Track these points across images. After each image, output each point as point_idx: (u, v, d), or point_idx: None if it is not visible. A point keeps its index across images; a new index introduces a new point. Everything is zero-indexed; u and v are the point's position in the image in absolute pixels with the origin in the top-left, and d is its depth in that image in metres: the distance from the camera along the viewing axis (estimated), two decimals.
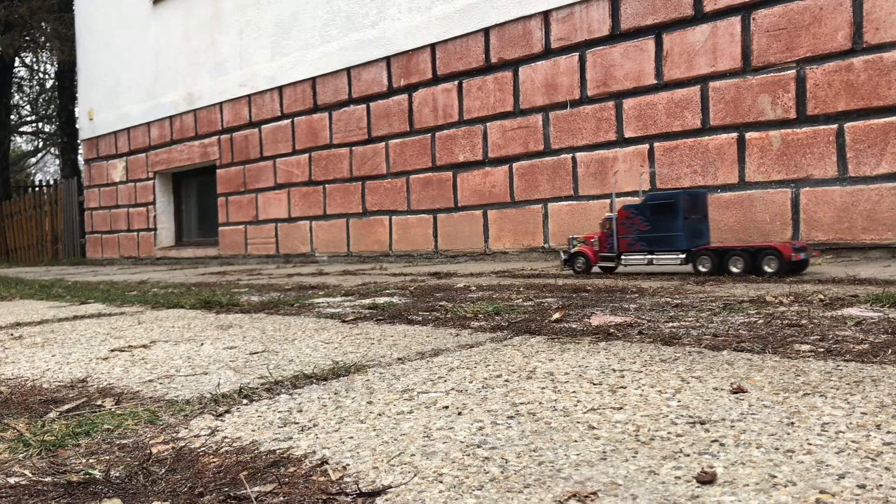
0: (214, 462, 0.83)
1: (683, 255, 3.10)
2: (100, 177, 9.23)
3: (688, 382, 1.09)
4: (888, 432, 0.81)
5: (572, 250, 3.51)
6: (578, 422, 0.92)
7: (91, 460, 0.87)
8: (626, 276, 3.25)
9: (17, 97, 19.45)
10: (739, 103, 4.07)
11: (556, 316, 1.88)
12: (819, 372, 1.12)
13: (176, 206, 8.50)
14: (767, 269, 2.85)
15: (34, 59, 18.29)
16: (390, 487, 0.72)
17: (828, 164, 3.79)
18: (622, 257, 3.32)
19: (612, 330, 1.62)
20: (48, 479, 0.81)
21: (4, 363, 1.59)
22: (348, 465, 0.80)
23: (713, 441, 0.81)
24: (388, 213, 5.94)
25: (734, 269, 2.93)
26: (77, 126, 12.47)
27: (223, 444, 0.90)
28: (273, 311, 2.38)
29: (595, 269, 3.58)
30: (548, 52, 4.87)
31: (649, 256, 3.22)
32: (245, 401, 1.12)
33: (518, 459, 0.78)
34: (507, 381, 1.16)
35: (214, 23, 7.46)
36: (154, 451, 0.88)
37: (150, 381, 1.32)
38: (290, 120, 6.72)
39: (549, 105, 4.87)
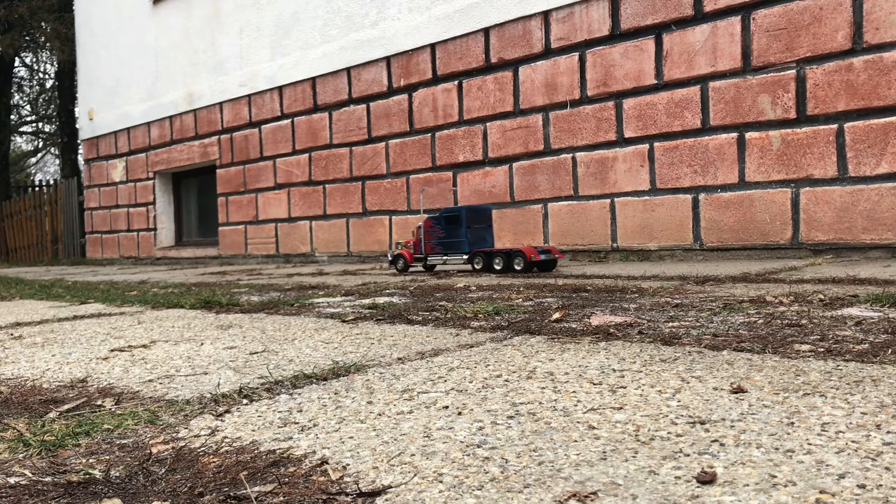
0: (214, 462, 0.83)
1: (466, 256, 3.89)
2: (100, 177, 9.23)
3: (688, 382, 1.09)
4: (888, 432, 0.81)
5: (396, 253, 4.23)
6: (578, 422, 0.92)
7: (91, 460, 0.87)
8: (627, 277, 3.25)
9: (17, 97, 19.46)
10: (739, 103, 4.07)
11: (556, 316, 1.88)
12: (819, 372, 1.12)
13: (176, 206, 8.50)
14: (517, 266, 3.63)
15: (34, 59, 18.29)
16: (390, 487, 0.72)
17: (828, 163, 3.79)
18: (427, 258, 4.08)
19: (612, 330, 1.62)
20: (48, 479, 0.81)
21: (4, 363, 1.59)
22: (348, 464, 0.80)
23: (713, 441, 0.81)
24: (388, 213, 5.94)
25: (497, 267, 3.73)
26: (77, 126, 12.48)
27: (223, 444, 0.90)
28: (273, 311, 2.38)
29: (413, 267, 4.37)
30: (548, 52, 4.87)
31: (445, 257, 4.00)
32: (245, 401, 1.12)
33: (518, 459, 0.78)
34: (507, 381, 1.16)
35: (214, 23, 7.46)
36: (154, 451, 0.88)
37: (150, 381, 1.32)
38: (290, 120, 6.72)
39: (549, 105, 4.87)
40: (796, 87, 3.88)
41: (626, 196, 4.55)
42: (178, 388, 1.25)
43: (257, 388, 1.20)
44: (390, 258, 4.30)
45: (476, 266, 3.83)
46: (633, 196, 4.51)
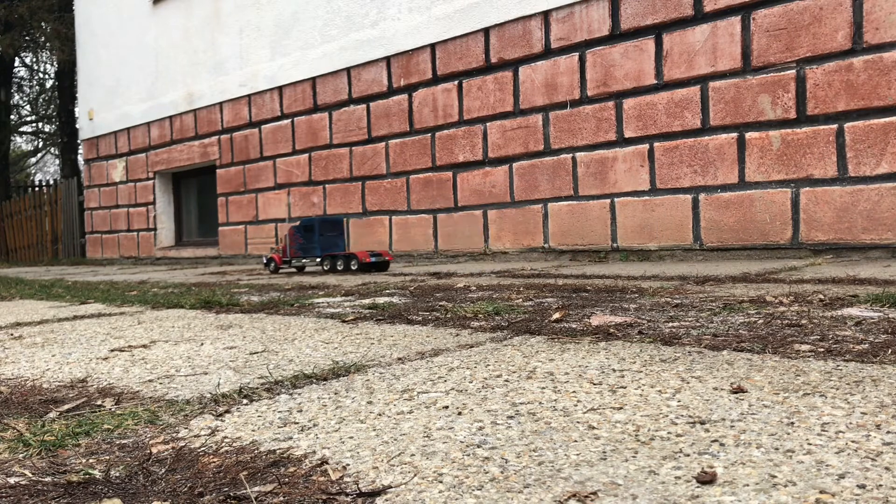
0: (214, 462, 0.83)
1: (319, 259, 4.65)
2: (100, 177, 9.23)
3: (688, 382, 1.09)
4: (888, 432, 0.82)
5: (269, 256, 4.96)
6: (578, 422, 0.92)
7: (91, 460, 0.87)
8: (627, 277, 3.25)
9: (17, 97, 19.45)
10: (739, 103, 4.07)
11: (556, 316, 1.88)
12: (819, 372, 1.12)
13: (176, 206, 8.50)
14: (353, 266, 4.39)
15: (34, 59, 18.29)
16: (390, 487, 0.72)
17: (828, 163, 3.79)
18: (292, 261, 4.85)
19: (612, 330, 1.62)
20: (48, 479, 0.81)
21: (4, 363, 1.59)
22: (348, 464, 0.80)
23: (713, 441, 0.81)
24: (388, 213, 5.94)
25: (339, 268, 4.50)
26: (77, 126, 12.47)
27: (223, 444, 0.90)
28: (273, 311, 2.38)
29: (282, 269, 5.13)
30: (548, 52, 4.87)
31: (304, 260, 4.77)
32: (245, 401, 1.12)
33: (518, 459, 0.78)
34: (507, 381, 1.16)
35: (214, 23, 7.46)
36: (154, 451, 0.89)
37: (150, 381, 1.32)
38: (290, 120, 6.72)
39: (549, 105, 4.87)
40: (796, 87, 3.88)
41: (626, 196, 4.55)
42: (178, 388, 1.25)
43: (257, 388, 1.20)
44: (265, 261, 5.02)
45: (325, 267, 4.59)
46: (633, 196, 4.51)
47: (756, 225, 4.04)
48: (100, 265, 8.72)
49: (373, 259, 4.34)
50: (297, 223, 4.86)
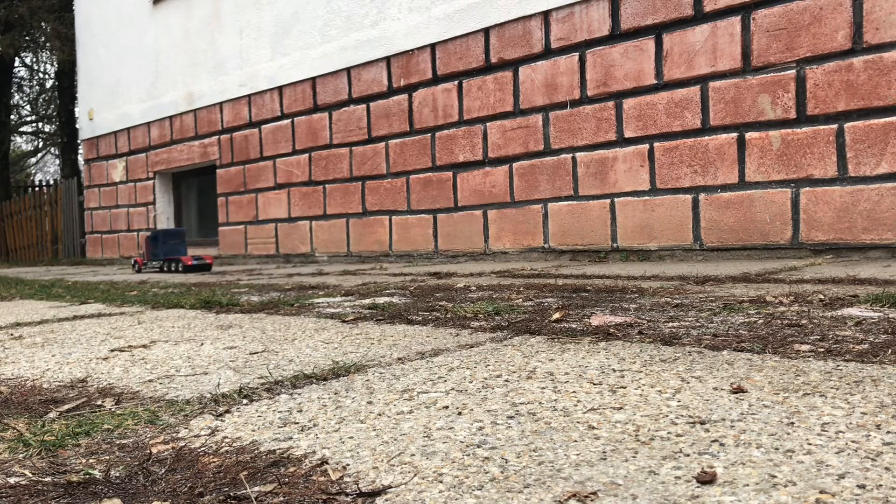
0: (214, 462, 0.83)
1: (160, 263, 5.84)
2: (100, 177, 9.23)
3: (688, 382, 1.09)
4: (888, 432, 0.82)
5: (135, 259, 6.12)
6: (578, 422, 0.92)
7: (91, 460, 0.87)
8: (627, 277, 3.25)
9: (17, 97, 19.45)
10: (739, 103, 4.07)
11: (556, 316, 1.88)
12: (819, 372, 1.12)
13: (176, 206, 8.50)
14: (179, 268, 5.52)
15: (34, 59, 18.29)
16: (390, 487, 0.72)
17: (828, 163, 3.79)
18: (147, 264, 6.03)
19: (612, 330, 1.62)
20: (48, 479, 0.81)
21: (4, 363, 1.59)
22: (348, 465, 0.80)
23: (713, 441, 0.81)
24: (388, 213, 5.94)
25: (173, 270, 5.60)
26: (77, 126, 12.47)
27: (223, 444, 0.90)
28: (273, 311, 2.38)
29: (144, 270, 6.07)
30: (548, 52, 4.87)
31: (154, 263, 5.94)
32: (245, 401, 1.12)
33: (518, 459, 0.78)
34: (507, 381, 1.16)
35: (214, 23, 7.46)
36: (154, 451, 0.89)
37: (150, 381, 1.32)
38: (290, 120, 6.72)
39: (549, 105, 4.87)
40: (796, 87, 3.88)
41: (626, 196, 4.55)
42: (178, 388, 1.25)
43: (257, 388, 1.20)
44: (132, 263, 6.18)
45: (164, 269, 5.74)
46: (633, 196, 4.51)
47: (756, 225, 4.04)
48: (100, 265, 8.71)
49: (195, 262, 5.52)
50: (150, 233, 6.34)
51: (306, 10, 6.52)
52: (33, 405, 1.17)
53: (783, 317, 1.71)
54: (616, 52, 4.54)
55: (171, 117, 8.05)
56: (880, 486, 0.66)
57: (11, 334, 2.08)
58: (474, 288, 2.94)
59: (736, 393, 1.01)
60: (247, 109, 7.14)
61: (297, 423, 0.98)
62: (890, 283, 2.36)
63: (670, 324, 1.68)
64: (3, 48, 13.09)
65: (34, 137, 24.45)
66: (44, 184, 14.81)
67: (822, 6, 3.78)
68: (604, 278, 3.15)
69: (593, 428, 0.89)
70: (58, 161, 20.31)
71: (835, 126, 3.76)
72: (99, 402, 1.16)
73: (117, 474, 0.81)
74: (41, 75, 19.58)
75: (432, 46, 5.53)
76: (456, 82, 5.40)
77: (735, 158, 4.10)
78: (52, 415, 1.09)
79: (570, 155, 4.79)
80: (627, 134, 4.51)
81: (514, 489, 0.70)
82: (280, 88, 6.78)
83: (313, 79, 6.47)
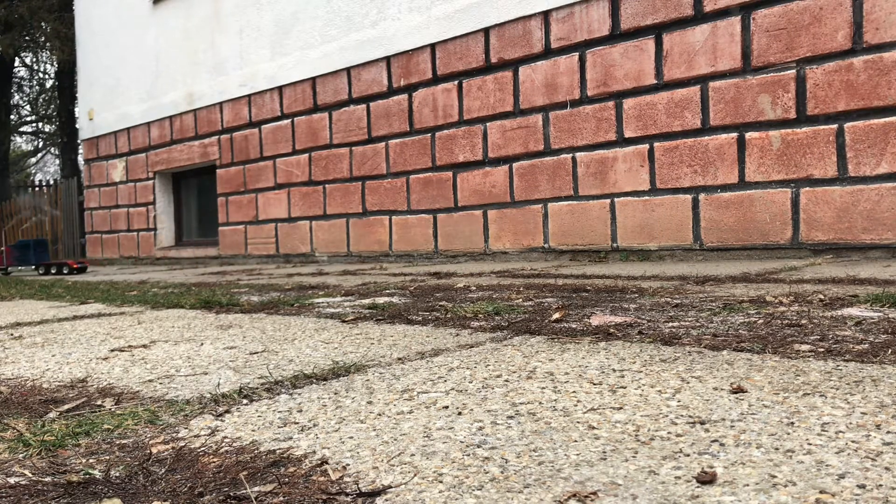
0: (214, 462, 0.83)
1: (34, 266, 7.11)
2: (100, 177, 9.23)
3: (688, 382, 1.09)
4: (888, 432, 0.82)
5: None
6: (578, 422, 0.92)
7: (91, 460, 0.87)
8: (627, 277, 3.25)
9: (17, 97, 19.45)
10: (739, 103, 4.07)
11: (556, 316, 1.88)
12: (819, 372, 1.12)
13: (176, 206, 8.50)
14: (65, 271, 6.54)
15: (34, 59, 18.29)
16: (390, 487, 0.72)
17: (828, 163, 3.79)
18: (7, 268, 7.44)
19: (612, 330, 1.62)
20: (48, 479, 0.81)
21: (4, 363, 1.59)
22: (348, 464, 0.80)
23: (713, 441, 0.81)
24: (388, 213, 5.94)
25: (53, 272, 6.59)
26: (77, 126, 12.47)
27: (223, 444, 0.90)
28: (273, 311, 2.38)
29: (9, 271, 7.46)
30: (548, 52, 4.87)
31: (20, 267, 7.28)
32: (245, 401, 1.12)
33: (518, 459, 0.78)
34: (507, 381, 1.16)
35: (214, 23, 7.46)
36: (154, 451, 0.89)
37: (150, 381, 1.32)
38: (290, 120, 6.72)
39: (549, 105, 4.87)
40: (796, 87, 3.88)
41: (626, 196, 4.55)
42: (178, 388, 1.25)
43: (257, 388, 1.20)
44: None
45: (40, 272, 6.79)
46: (633, 196, 4.51)
47: (756, 225, 4.04)
48: (100, 265, 8.71)
49: (79, 266, 6.59)
50: (14, 244, 7.93)
51: (306, 10, 6.52)
52: (33, 405, 1.17)
53: (783, 317, 1.71)
54: (616, 52, 4.54)
55: (171, 117, 8.05)
56: (880, 486, 0.66)
57: (11, 334, 2.08)
58: (474, 288, 2.94)
59: (736, 393, 1.01)
60: (247, 109, 7.14)
61: (297, 423, 0.98)
62: (890, 283, 2.36)
63: (670, 324, 1.68)
64: (3, 48, 13.09)
65: (34, 137, 24.46)
66: (44, 184, 14.80)
67: (822, 6, 3.78)
68: (604, 278, 3.15)
69: (593, 428, 0.89)
70: (58, 161, 20.31)
71: (835, 126, 3.76)
72: (99, 402, 1.16)
73: (117, 474, 0.81)
74: (41, 75, 19.59)
75: (432, 46, 5.53)
76: (456, 82, 5.40)
77: (735, 158, 4.10)
78: (52, 415, 1.09)
79: (570, 155, 4.79)
80: (627, 134, 4.51)
81: (514, 489, 0.70)
82: (280, 88, 6.78)
83: (313, 79, 6.47)
